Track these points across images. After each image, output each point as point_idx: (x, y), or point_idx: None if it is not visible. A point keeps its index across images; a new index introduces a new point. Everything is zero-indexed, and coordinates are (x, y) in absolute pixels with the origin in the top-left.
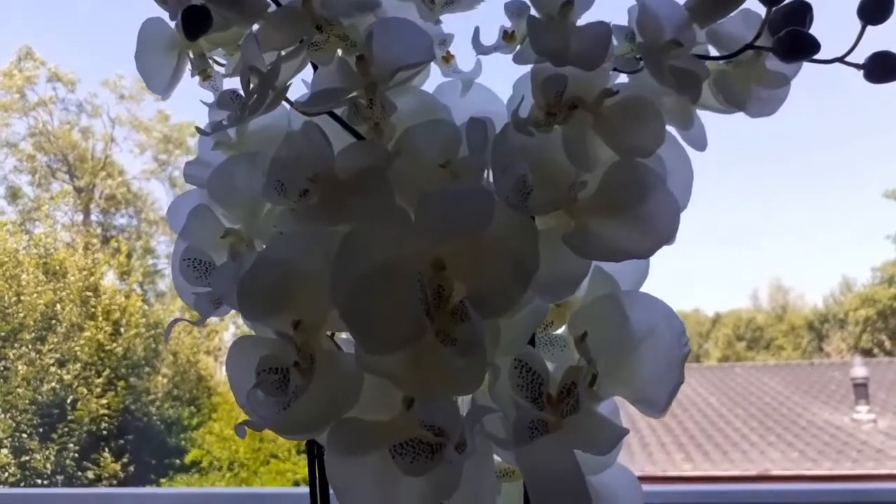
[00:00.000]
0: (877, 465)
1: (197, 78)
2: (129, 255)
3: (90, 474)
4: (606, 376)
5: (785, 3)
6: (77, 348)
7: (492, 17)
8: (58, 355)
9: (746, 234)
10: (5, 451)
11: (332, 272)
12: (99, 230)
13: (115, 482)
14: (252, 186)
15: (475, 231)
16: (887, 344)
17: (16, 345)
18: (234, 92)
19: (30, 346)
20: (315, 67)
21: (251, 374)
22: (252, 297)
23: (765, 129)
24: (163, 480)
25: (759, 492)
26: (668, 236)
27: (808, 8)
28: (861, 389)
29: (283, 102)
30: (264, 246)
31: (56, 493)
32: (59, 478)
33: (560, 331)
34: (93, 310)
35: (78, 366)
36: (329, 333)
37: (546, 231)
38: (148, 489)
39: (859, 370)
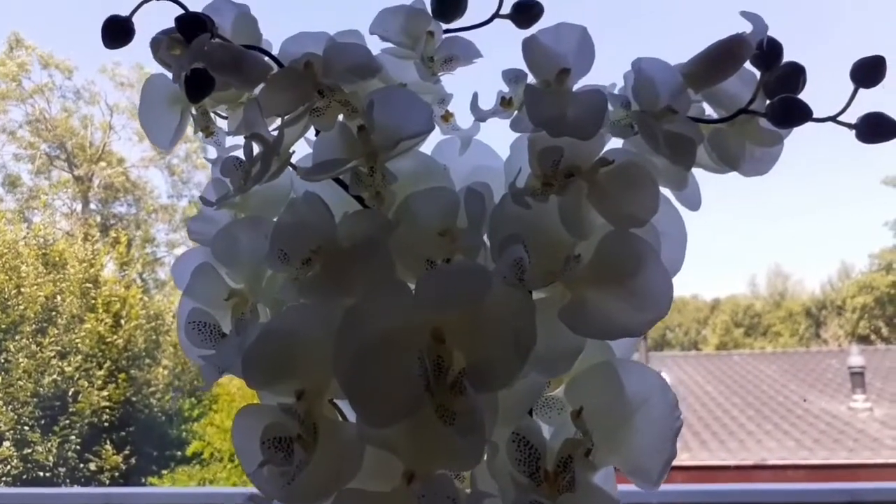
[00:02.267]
0: (873, 455)
1: None
2: (128, 245)
3: (92, 466)
4: (601, 446)
5: (779, 66)
6: (78, 340)
7: (489, 80)
8: (59, 347)
9: (745, 220)
10: (7, 443)
11: (333, 345)
12: (98, 219)
13: (116, 474)
14: (255, 250)
15: (472, 305)
16: (884, 331)
17: (16, 337)
18: (237, 159)
19: (30, 339)
20: (317, 131)
21: (257, 443)
22: (257, 368)
23: None
24: (164, 472)
25: (750, 492)
26: (661, 312)
27: (802, 70)
28: (857, 378)
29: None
30: (267, 309)
31: (62, 493)
32: (61, 470)
33: (558, 391)
34: (93, 301)
35: (79, 358)
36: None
37: (542, 303)
38: (149, 489)
39: (856, 359)
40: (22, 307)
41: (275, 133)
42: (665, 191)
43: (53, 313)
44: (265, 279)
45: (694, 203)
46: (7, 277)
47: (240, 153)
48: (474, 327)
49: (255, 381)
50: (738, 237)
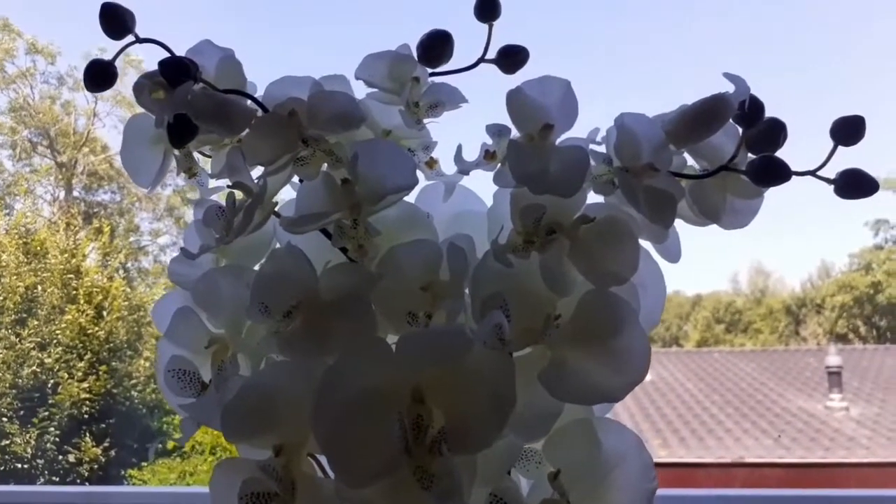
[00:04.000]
0: (848, 454)
1: None
2: (111, 235)
3: (71, 458)
4: None
5: (761, 122)
6: (58, 331)
7: (475, 121)
8: (38, 339)
9: None
10: None
11: (312, 405)
12: (81, 206)
13: (96, 466)
14: (236, 298)
15: (452, 365)
16: (862, 330)
17: None
18: (219, 207)
19: (9, 330)
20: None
21: (235, 497)
22: (235, 423)
23: None
24: (144, 464)
25: (726, 497)
26: (639, 375)
27: (782, 126)
28: (835, 377)
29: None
30: (247, 359)
31: (42, 490)
32: (40, 462)
33: (537, 444)
34: (74, 292)
35: (59, 349)
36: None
37: (523, 362)
38: (129, 487)
39: (833, 359)
40: (1, 297)
41: (258, 179)
42: (644, 243)
43: (33, 304)
44: (245, 329)
45: (674, 255)
46: None
47: (222, 199)
48: (454, 387)
49: (233, 436)
50: (720, 233)
